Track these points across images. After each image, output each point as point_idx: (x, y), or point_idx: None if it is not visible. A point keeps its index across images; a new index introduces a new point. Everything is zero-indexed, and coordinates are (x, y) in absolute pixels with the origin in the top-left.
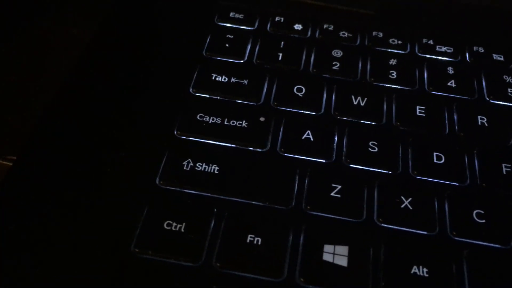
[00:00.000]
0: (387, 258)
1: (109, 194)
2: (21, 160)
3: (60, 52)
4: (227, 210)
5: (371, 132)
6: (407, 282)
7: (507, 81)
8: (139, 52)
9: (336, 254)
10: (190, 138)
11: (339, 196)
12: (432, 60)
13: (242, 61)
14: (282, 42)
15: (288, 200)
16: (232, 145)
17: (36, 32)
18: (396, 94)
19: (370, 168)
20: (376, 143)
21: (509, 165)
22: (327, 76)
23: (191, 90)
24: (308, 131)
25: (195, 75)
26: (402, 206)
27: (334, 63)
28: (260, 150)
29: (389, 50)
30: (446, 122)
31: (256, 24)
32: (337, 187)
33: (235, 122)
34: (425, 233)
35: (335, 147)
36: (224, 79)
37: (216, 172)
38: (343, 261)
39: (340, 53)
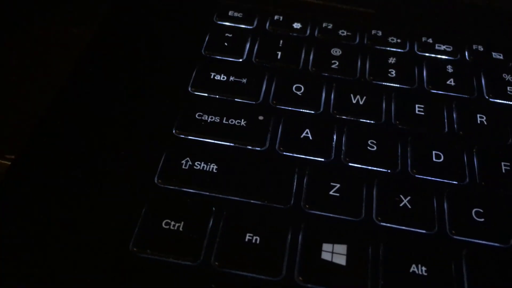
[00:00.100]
0: (386, 257)
1: (108, 193)
2: (20, 159)
3: (60, 51)
4: (225, 209)
5: (370, 131)
6: (406, 281)
7: (507, 79)
8: (138, 51)
9: (335, 253)
10: (189, 137)
11: (338, 195)
12: (431, 59)
13: (241, 60)
14: (281, 41)
15: (287, 199)
16: (231, 144)
17: (36, 32)
18: (395, 93)
19: (369, 167)
20: (375, 142)
21: (508, 164)
22: (326, 74)
23: (190, 89)
24: (307, 130)
25: (194, 74)
26: (401, 204)
27: (333, 61)
28: (258, 149)
29: (388, 48)
30: (445, 120)
31: (255, 22)
32: (336, 186)
33: (234, 121)
34: (424, 231)
35: (334, 145)
36: (223, 78)
37: (214, 171)
38: (341, 260)
39: (339, 52)
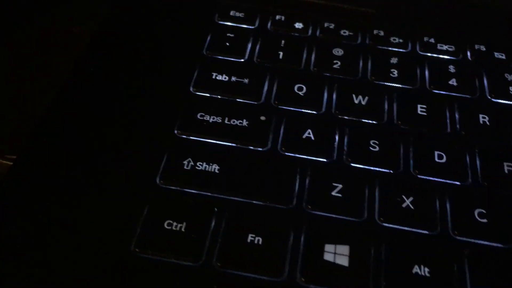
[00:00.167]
0: (388, 258)
1: (109, 194)
2: (21, 159)
3: (60, 51)
4: (227, 209)
5: (372, 131)
6: (408, 281)
7: (509, 79)
8: (139, 51)
9: (337, 254)
10: (191, 137)
11: (340, 195)
12: (433, 59)
13: (242, 60)
14: (283, 41)
15: (289, 199)
16: (233, 144)
17: (36, 32)
18: (397, 93)
19: (371, 167)
20: (377, 142)
21: (511, 164)
22: (328, 75)
23: (191, 89)
24: (309, 130)
25: (195, 74)
26: (404, 205)
27: (335, 61)
28: (260, 149)
29: (390, 48)
30: (448, 120)
31: (257, 22)
32: (338, 186)
33: (235, 121)
34: (427, 232)
35: (336, 146)
36: (225, 78)
37: (216, 171)
38: (344, 261)
39: (341, 52)
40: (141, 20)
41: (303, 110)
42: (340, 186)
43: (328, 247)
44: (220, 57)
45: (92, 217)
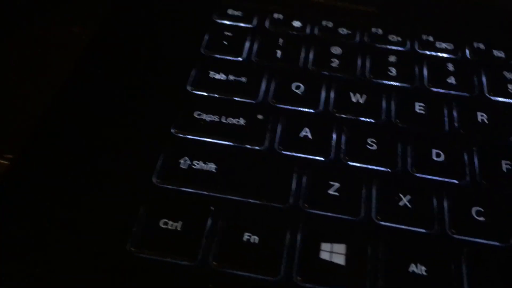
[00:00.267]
0: (385, 256)
1: (106, 193)
2: (19, 159)
3: (59, 50)
4: (224, 208)
5: (370, 130)
6: (405, 280)
7: (508, 77)
8: (137, 50)
9: (334, 252)
10: (188, 136)
11: (337, 194)
12: (432, 57)
13: (240, 59)
14: (281, 40)
15: (286, 198)
16: (230, 143)
17: (36, 32)
18: (395, 91)
19: (369, 166)
20: (375, 141)
21: (509, 163)
22: (325, 73)
23: (188, 88)
24: (306, 129)
25: (192, 73)
26: (401, 204)
27: (333, 60)
28: (258, 148)
29: (388, 47)
30: (446, 119)
31: (255, 21)
32: (335, 185)
33: (232, 120)
34: (424, 231)
35: (333, 144)
36: (222, 77)
37: (213, 170)
38: (340, 260)
39: (339, 50)
40: (139, 19)
41: (300, 109)
42: (337, 184)
43: (325, 246)
44: (217, 56)
45: (88, 217)
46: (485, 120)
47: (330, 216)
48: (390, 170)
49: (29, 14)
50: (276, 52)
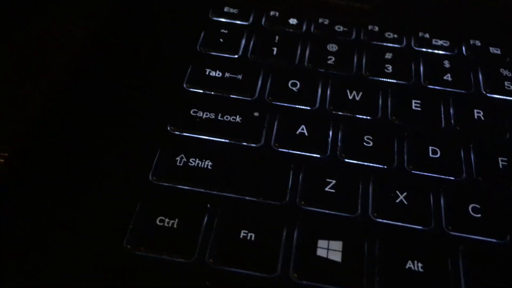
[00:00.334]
0: (382, 253)
1: (102, 190)
2: (16, 158)
3: (58, 49)
4: (220, 205)
5: (366, 127)
6: (402, 277)
7: (504, 74)
8: (135, 48)
9: (330, 250)
10: (184, 134)
11: (333, 191)
12: (428, 54)
13: (236, 56)
14: (277, 37)
15: (282, 195)
16: (226, 141)
17: (36, 31)
18: (392, 88)
19: (365, 162)
20: (371, 138)
21: (506, 159)
22: (322, 70)
23: (185, 85)
24: (303, 126)
25: (189, 70)
26: (397, 200)
27: (329, 57)
28: (254, 145)
29: (384, 44)
30: (442, 116)
31: (251, 18)
32: (331, 182)
33: (229, 117)
34: (421, 227)
35: (330, 142)
36: (218, 74)
37: (209, 167)
38: (337, 257)
39: (335, 48)
40: (136, 17)
41: (297, 106)
42: (334, 181)
43: (321, 243)
44: (214, 53)
45: (84, 214)
46: (482, 117)
47: (327, 213)
48: (386, 167)
49: (29, 14)
50: (273, 50)
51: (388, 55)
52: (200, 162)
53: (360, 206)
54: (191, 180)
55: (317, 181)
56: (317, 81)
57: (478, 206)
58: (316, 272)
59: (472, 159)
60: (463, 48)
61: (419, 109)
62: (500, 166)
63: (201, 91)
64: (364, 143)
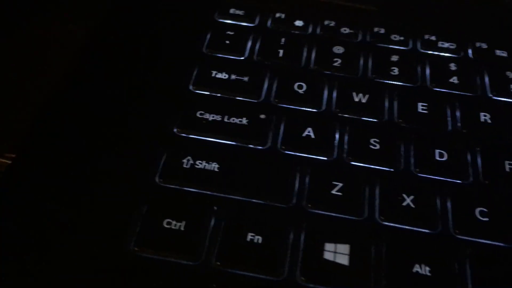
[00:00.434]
0: (389, 257)
1: (109, 192)
2: (19, 158)
3: (59, 49)
4: (227, 208)
5: (372, 129)
6: (409, 280)
7: (510, 77)
8: (139, 49)
9: (338, 253)
10: (190, 136)
11: (340, 194)
12: (434, 57)
13: (242, 58)
14: (283, 39)
15: (289, 198)
16: (233, 143)
17: (36, 31)
18: (398, 91)
19: (372, 165)
20: (377, 140)
21: None
22: (328, 72)
23: (191, 87)
24: (309, 128)
25: (195, 72)
26: (404, 204)
27: (335, 59)
28: (260, 147)
29: (390, 46)
30: (449, 119)
31: (257, 20)
32: (338, 185)
33: (235, 119)
34: (427, 231)
35: (336, 144)
36: (224, 76)
37: (216, 170)
38: (344, 260)
39: (341, 50)
40: (140, 18)
41: (303, 108)
42: (340, 184)
43: (328, 246)
44: (220, 55)
45: (91, 216)
46: (488, 120)
47: (334, 216)
48: (393, 170)
49: (29, 14)
50: (279, 52)
51: (394, 58)
52: (206, 164)
53: (367, 209)
54: (198, 182)
55: (323, 184)
56: (323, 83)
57: (485, 210)
58: (323, 275)
59: (479, 162)
60: (469, 51)
61: (426, 111)
62: (507, 169)
63: (207, 93)
64: (371, 146)
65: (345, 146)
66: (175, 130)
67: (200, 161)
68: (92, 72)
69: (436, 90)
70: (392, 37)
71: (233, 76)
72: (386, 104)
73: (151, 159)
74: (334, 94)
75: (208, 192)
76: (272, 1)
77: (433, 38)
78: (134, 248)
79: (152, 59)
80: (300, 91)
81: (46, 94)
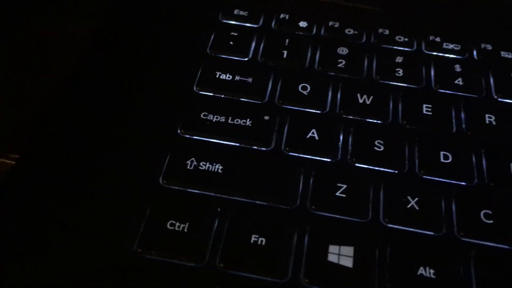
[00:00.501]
0: (393, 259)
1: (112, 194)
2: (23, 159)
3: (62, 49)
4: (231, 209)
5: (377, 131)
6: (413, 283)
7: None
8: (142, 50)
9: (341, 255)
10: (194, 137)
11: (344, 195)
12: (439, 58)
13: (246, 59)
14: (287, 40)
15: (293, 199)
16: (236, 144)
17: (36, 31)
18: (403, 92)
19: (376, 167)
20: (382, 142)
21: None
22: (332, 74)
23: (195, 88)
24: (313, 130)
25: (199, 73)
26: (409, 206)
27: (339, 60)
28: (264, 149)
29: (395, 47)
30: (453, 120)
31: (261, 21)
32: (342, 186)
33: (239, 120)
34: (432, 233)
35: (340, 146)
36: (228, 77)
37: (220, 171)
38: (348, 262)
39: (345, 51)
40: (144, 18)
41: (307, 110)
42: (345, 186)
43: (332, 248)
44: (223, 56)
45: (95, 217)
46: (493, 122)
47: (338, 218)
48: (397, 172)
49: (29, 14)
50: (283, 53)
51: (399, 59)
52: (210, 166)
53: (371, 211)
54: (201, 184)
55: (327, 185)
56: (327, 85)
57: (490, 212)
58: (327, 278)
59: (484, 164)
60: (474, 52)
61: (430, 113)
62: None
63: (211, 94)
64: (375, 148)
65: (349, 148)
66: (178, 131)
67: (204, 162)
68: (95, 73)
69: (440, 91)
70: (397, 38)
71: (237, 77)
72: (391, 105)
73: (155, 160)
74: (339, 95)
75: (212, 194)
76: (276, 2)
77: (438, 39)
78: (137, 249)
79: (156, 60)
80: (304, 92)
81: (47, 94)
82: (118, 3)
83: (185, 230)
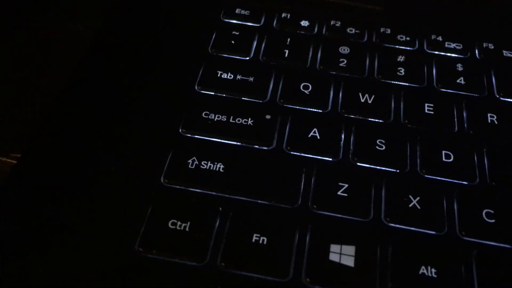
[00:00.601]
0: (395, 258)
1: (114, 193)
2: (23, 159)
3: (62, 49)
4: (232, 209)
5: (378, 130)
6: (415, 282)
7: None
8: (144, 49)
9: (343, 254)
10: (195, 136)
11: (346, 195)
12: (441, 57)
13: (248, 58)
14: (289, 39)
15: (294, 199)
16: (238, 143)
17: (36, 31)
18: (404, 92)
19: (378, 166)
20: (383, 141)
21: None
22: (334, 73)
23: (196, 87)
24: (315, 129)
25: (200, 72)
26: (410, 205)
27: (341, 60)
28: (266, 148)
29: (397, 46)
30: (455, 120)
31: (262, 20)
32: (344, 186)
33: (240, 119)
34: (434, 233)
35: (342, 145)
36: (230, 76)
37: (221, 170)
38: (350, 261)
39: (347, 50)
40: (145, 17)
41: (308, 109)
42: (346, 185)
43: (334, 247)
44: (225, 55)
45: (96, 217)
46: (495, 121)
47: (339, 217)
48: (399, 171)
49: (30, 14)
50: (284, 52)
51: (401, 58)
52: (212, 165)
53: (373, 211)
54: (203, 183)
55: (329, 185)
56: (329, 84)
57: (492, 211)
58: (329, 277)
59: (486, 164)
60: (476, 51)
61: (432, 112)
62: None
63: (213, 93)
64: (377, 147)
65: (351, 147)
66: (180, 130)
67: (205, 162)
68: (96, 73)
69: (442, 90)
70: (398, 37)
71: (238, 76)
72: (392, 104)
73: (156, 159)
74: (340, 95)
75: (213, 193)
76: (278, 1)
77: (440, 38)
78: (138, 248)
79: (158, 60)
80: (306, 91)
81: (48, 94)
82: (119, 3)
83: (187, 229)
